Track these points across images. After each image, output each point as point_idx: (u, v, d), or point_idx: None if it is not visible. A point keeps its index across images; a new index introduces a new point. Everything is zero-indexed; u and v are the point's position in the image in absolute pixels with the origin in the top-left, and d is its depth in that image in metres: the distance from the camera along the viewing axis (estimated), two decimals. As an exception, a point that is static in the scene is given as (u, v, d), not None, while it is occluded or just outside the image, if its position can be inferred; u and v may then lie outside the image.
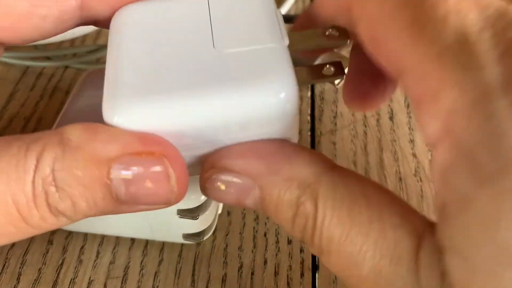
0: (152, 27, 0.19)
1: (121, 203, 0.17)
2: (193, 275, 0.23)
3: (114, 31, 0.20)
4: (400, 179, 0.26)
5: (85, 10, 0.20)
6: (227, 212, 0.25)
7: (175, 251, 0.24)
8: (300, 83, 0.17)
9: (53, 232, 0.24)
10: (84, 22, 0.21)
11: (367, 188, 0.15)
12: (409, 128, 0.29)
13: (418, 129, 0.15)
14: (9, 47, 0.30)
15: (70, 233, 0.24)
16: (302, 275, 0.23)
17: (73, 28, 0.21)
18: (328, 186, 0.15)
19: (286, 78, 0.16)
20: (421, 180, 0.26)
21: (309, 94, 0.30)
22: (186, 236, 0.23)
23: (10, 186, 0.15)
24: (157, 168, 0.16)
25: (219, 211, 0.24)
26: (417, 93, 0.14)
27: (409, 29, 0.14)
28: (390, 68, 0.15)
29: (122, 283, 0.23)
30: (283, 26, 0.19)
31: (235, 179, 0.16)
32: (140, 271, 0.23)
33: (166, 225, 0.22)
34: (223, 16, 0.19)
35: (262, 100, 0.16)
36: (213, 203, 0.23)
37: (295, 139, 0.18)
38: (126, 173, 0.16)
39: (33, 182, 0.15)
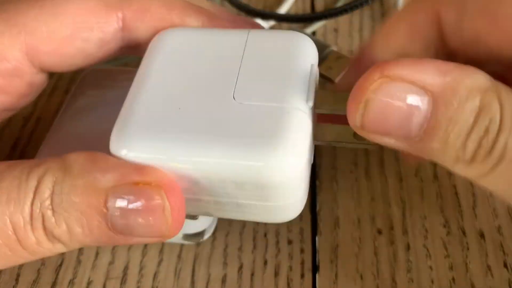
0: (183, 58, 0.20)
1: (116, 233, 0.17)
2: (192, 275, 0.23)
3: (148, 55, 0.20)
4: (401, 179, 0.26)
5: (127, 32, 0.20)
6: (227, 212, 0.25)
7: (175, 251, 0.24)
8: (323, 142, 0.17)
9: (52, 233, 0.24)
10: (128, 45, 0.21)
11: None
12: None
13: None
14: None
15: (69, 234, 0.24)
16: (302, 276, 0.23)
17: (117, 52, 0.21)
18: (507, 90, 0.14)
19: (291, 146, 0.16)
20: (422, 181, 0.26)
21: (309, 93, 0.30)
22: (186, 237, 0.23)
23: (9, 207, 0.16)
24: (153, 199, 0.16)
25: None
26: None
27: None
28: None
29: (121, 284, 0.23)
30: (314, 86, 0.18)
31: (408, 90, 0.14)
32: (139, 272, 0.23)
33: None
34: (254, 62, 0.19)
35: (258, 165, 0.16)
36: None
37: (299, 204, 0.18)
38: (123, 203, 0.16)
39: (32, 204, 0.16)
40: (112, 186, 0.16)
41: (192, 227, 0.22)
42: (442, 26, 0.17)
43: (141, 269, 0.23)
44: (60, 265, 0.23)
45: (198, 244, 0.24)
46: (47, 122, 0.29)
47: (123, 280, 0.23)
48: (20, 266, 0.23)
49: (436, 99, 0.14)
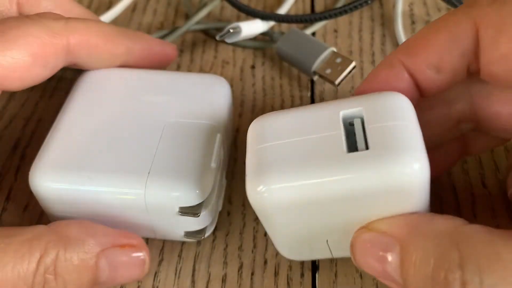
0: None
1: (99, 284, 0.21)
2: (193, 275, 0.23)
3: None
4: (400, 179, 0.26)
5: (70, 55, 0.24)
6: (227, 212, 0.25)
7: (175, 251, 0.24)
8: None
9: (53, 232, 0.24)
10: (71, 64, 0.25)
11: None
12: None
13: None
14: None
15: (70, 233, 0.24)
16: (302, 275, 0.23)
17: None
18: (470, 233, 0.16)
19: (419, 152, 0.17)
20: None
21: (309, 94, 0.30)
22: (187, 234, 0.23)
23: (13, 276, 0.18)
24: (138, 257, 0.21)
25: (220, 208, 0.24)
26: None
27: None
28: None
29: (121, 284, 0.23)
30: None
31: (380, 238, 0.17)
32: (140, 271, 0.23)
33: (168, 224, 0.22)
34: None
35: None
36: (214, 200, 0.23)
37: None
38: (112, 261, 0.20)
39: (35, 275, 0.19)
40: (104, 248, 0.20)
41: (194, 224, 0.22)
42: (479, 40, 0.18)
43: (141, 268, 0.23)
44: (61, 264, 0.23)
45: (199, 243, 0.24)
46: (48, 123, 0.29)
47: (124, 280, 0.23)
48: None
49: (401, 247, 0.16)
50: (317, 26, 0.33)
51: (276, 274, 0.23)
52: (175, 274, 0.23)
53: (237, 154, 0.28)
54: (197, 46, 0.33)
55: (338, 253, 0.21)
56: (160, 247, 0.24)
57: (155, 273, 0.23)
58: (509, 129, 0.21)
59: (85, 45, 0.24)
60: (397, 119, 0.18)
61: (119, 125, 0.23)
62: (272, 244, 0.24)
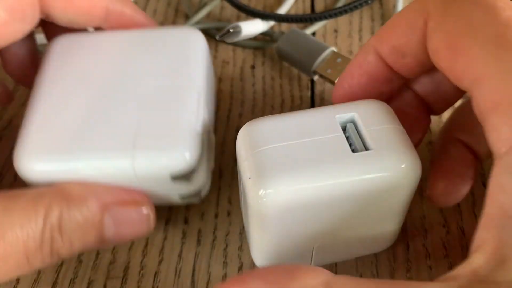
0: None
1: (105, 241, 0.21)
2: (193, 275, 0.23)
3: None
4: (400, 179, 0.26)
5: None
6: (227, 212, 0.25)
7: (175, 251, 0.24)
8: None
9: (52, 232, 0.24)
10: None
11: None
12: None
13: (487, 133, 0.16)
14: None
15: (69, 233, 0.24)
16: (302, 275, 0.23)
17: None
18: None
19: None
20: (421, 180, 0.26)
21: (309, 94, 0.30)
22: (184, 197, 0.23)
23: (23, 235, 0.18)
24: (142, 212, 0.21)
25: (212, 166, 0.24)
26: (493, 98, 0.16)
27: (493, 41, 0.16)
28: (464, 76, 0.17)
29: (122, 283, 0.23)
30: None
31: None
32: (139, 271, 0.23)
33: (162, 190, 0.22)
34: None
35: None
36: (206, 161, 0.22)
37: None
38: (116, 218, 0.20)
39: (42, 232, 0.19)
40: (108, 205, 0.20)
41: (188, 188, 0.22)
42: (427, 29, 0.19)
43: (141, 268, 0.23)
44: (61, 264, 0.23)
45: (199, 242, 0.24)
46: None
47: (124, 280, 0.23)
48: (21, 266, 0.23)
49: None
50: (317, 26, 0.33)
51: (276, 274, 0.23)
52: (175, 274, 0.23)
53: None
54: (197, 46, 0.33)
55: (318, 261, 0.22)
56: (160, 247, 0.24)
57: (155, 273, 0.23)
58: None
59: (61, 1, 0.24)
60: (387, 123, 0.19)
61: (96, 95, 0.22)
62: (272, 244, 0.24)
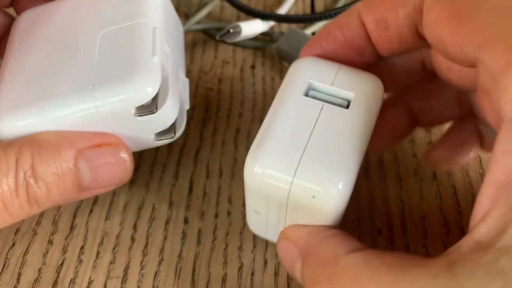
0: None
1: (83, 189, 0.21)
2: (193, 275, 0.23)
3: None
4: (400, 179, 0.26)
5: None
6: (227, 212, 0.25)
7: (175, 251, 0.24)
8: None
9: (53, 232, 0.24)
10: None
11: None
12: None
13: (497, 96, 0.15)
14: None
15: (70, 233, 0.24)
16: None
17: None
18: (343, 267, 0.17)
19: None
20: (421, 180, 0.26)
21: (309, 94, 0.30)
22: (158, 136, 0.23)
23: None
24: (117, 154, 0.21)
25: (187, 106, 0.24)
26: (507, 58, 0.15)
27: (501, 7, 0.16)
28: (469, 42, 0.16)
29: (122, 283, 0.23)
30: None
31: (290, 249, 0.19)
32: (140, 271, 0.23)
33: (133, 130, 0.22)
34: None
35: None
36: (172, 93, 0.22)
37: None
38: (91, 162, 0.20)
39: (16, 176, 0.19)
40: (81, 149, 0.20)
41: (157, 122, 0.22)
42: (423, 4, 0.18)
43: (141, 268, 0.23)
44: (61, 264, 0.24)
45: (199, 241, 0.24)
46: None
47: (124, 280, 0.23)
48: (21, 265, 0.23)
49: (301, 263, 0.18)
50: (317, 26, 0.33)
51: (276, 274, 0.23)
52: (175, 274, 0.23)
53: (237, 154, 0.28)
54: (197, 46, 0.33)
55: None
56: (160, 247, 0.24)
57: (155, 273, 0.23)
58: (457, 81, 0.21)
59: None
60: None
61: (56, 52, 0.23)
62: (273, 244, 0.24)
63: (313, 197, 0.18)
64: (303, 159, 0.18)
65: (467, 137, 0.24)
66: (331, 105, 0.20)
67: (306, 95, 0.20)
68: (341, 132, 0.19)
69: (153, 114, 0.21)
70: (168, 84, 0.22)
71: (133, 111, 0.21)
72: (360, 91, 0.20)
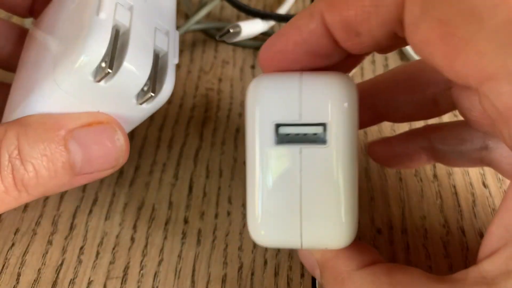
0: None
1: (76, 173, 0.19)
2: (193, 275, 0.23)
3: None
4: (400, 179, 0.26)
5: None
6: (227, 212, 0.25)
7: (175, 251, 0.24)
8: None
9: (52, 232, 0.24)
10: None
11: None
12: (409, 128, 0.29)
13: (507, 137, 0.14)
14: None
15: (69, 233, 0.24)
16: (302, 275, 0.23)
17: None
18: (354, 283, 0.17)
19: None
20: (421, 180, 0.26)
21: (309, 94, 0.30)
22: (139, 98, 0.21)
23: None
24: (109, 133, 0.20)
25: (175, 61, 0.23)
26: (508, 101, 0.13)
27: (504, 29, 0.13)
28: (468, 74, 0.14)
29: (121, 284, 0.23)
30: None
31: (310, 256, 0.20)
32: (139, 272, 0.23)
33: (107, 102, 0.21)
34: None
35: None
36: (133, 48, 0.20)
37: None
38: (82, 141, 0.19)
39: (0, 157, 0.18)
40: (71, 128, 0.19)
41: (126, 82, 0.20)
42: (404, 14, 0.15)
43: (141, 269, 0.23)
44: (61, 264, 0.23)
45: (199, 242, 0.24)
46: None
47: (124, 280, 0.23)
48: (21, 266, 0.23)
49: (320, 270, 0.20)
50: (317, 26, 0.33)
51: (276, 274, 0.23)
52: (175, 274, 0.23)
53: (236, 154, 0.28)
54: (197, 46, 0.33)
55: None
56: (160, 247, 0.24)
57: (155, 273, 0.23)
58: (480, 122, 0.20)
59: None
60: None
61: (36, 52, 0.22)
62: (272, 244, 0.24)
63: (326, 247, 0.18)
64: (303, 224, 0.18)
65: (413, 149, 0.24)
66: (309, 147, 0.18)
67: (278, 140, 0.18)
68: (328, 177, 0.17)
69: (113, 76, 0.19)
70: (128, 40, 0.20)
71: (91, 78, 0.19)
72: (333, 110, 0.17)
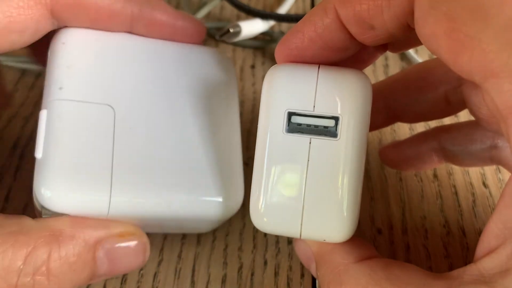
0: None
1: (98, 278, 0.19)
2: (192, 275, 0.23)
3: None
4: (401, 179, 0.26)
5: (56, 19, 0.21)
6: (227, 212, 0.25)
7: (175, 251, 0.24)
8: None
9: (52, 233, 0.24)
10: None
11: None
12: (410, 128, 0.29)
13: (508, 140, 0.14)
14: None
15: (69, 234, 0.24)
16: (302, 275, 0.23)
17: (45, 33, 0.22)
18: (351, 276, 0.17)
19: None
20: (421, 181, 0.26)
21: (309, 94, 0.30)
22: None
23: None
24: (138, 249, 0.20)
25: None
26: (509, 100, 0.13)
27: (510, 26, 0.13)
28: (472, 70, 0.14)
29: (121, 284, 0.23)
30: None
31: (307, 249, 0.20)
32: (139, 272, 0.23)
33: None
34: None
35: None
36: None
37: None
38: (110, 255, 0.19)
39: (20, 272, 0.17)
40: (102, 239, 0.19)
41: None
42: (414, 7, 0.16)
43: (141, 269, 0.23)
44: (60, 265, 0.23)
45: (199, 242, 0.24)
46: (47, 122, 0.29)
47: (123, 280, 0.23)
48: (20, 266, 0.23)
49: (316, 264, 0.19)
50: (317, 26, 0.33)
51: (276, 274, 0.23)
52: (175, 274, 0.23)
53: (237, 154, 0.28)
54: (197, 46, 0.33)
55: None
56: (159, 247, 0.24)
57: (155, 274, 0.23)
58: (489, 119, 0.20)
59: (75, 7, 0.21)
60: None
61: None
62: (273, 245, 0.24)
63: (324, 240, 0.18)
64: (305, 214, 0.18)
65: (424, 151, 0.24)
66: (319, 139, 0.18)
67: (289, 129, 0.18)
68: (334, 170, 0.18)
69: None
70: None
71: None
72: (347, 105, 0.18)
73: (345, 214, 0.18)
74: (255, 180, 0.18)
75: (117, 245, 0.19)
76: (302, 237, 0.18)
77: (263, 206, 0.18)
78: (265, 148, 0.18)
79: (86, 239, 0.18)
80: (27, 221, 0.18)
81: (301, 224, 0.18)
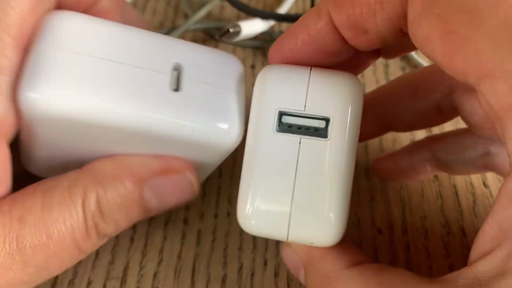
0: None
1: (151, 212, 0.20)
2: (192, 275, 0.23)
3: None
4: (401, 179, 0.26)
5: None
6: (227, 212, 0.25)
7: (175, 251, 0.24)
8: None
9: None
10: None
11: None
12: (410, 134, 0.29)
13: (503, 134, 0.14)
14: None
15: (69, 234, 0.24)
16: (302, 275, 0.23)
17: None
18: (342, 282, 0.17)
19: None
20: (421, 181, 0.26)
21: (309, 94, 0.30)
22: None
23: (68, 230, 0.18)
24: (182, 180, 0.20)
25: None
26: (507, 100, 0.13)
27: (503, 28, 0.13)
28: (466, 72, 0.14)
29: (121, 284, 0.23)
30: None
31: (294, 257, 0.20)
32: (139, 272, 0.23)
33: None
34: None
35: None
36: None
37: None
38: (156, 192, 0.20)
39: (85, 220, 0.19)
40: (146, 178, 0.19)
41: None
42: (407, 10, 0.16)
43: (141, 269, 0.23)
44: (60, 265, 0.23)
45: (199, 243, 0.24)
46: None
47: (123, 280, 0.23)
48: (20, 266, 0.23)
49: (305, 271, 0.19)
50: (317, 26, 0.33)
51: (276, 275, 0.23)
52: (175, 274, 0.23)
53: (236, 154, 0.27)
54: (197, 46, 0.33)
55: None
56: (159, 247, 0.24)
57: (155, 274, 0.23)
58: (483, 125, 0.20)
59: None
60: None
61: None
62: (273, 245, 0.24)
63: (312, 243, 0.18)
64: (292, 217, 0.17)
65: (417, 161, 0.24)
66: (309, 138, 0.18)
67: (279, 128, 0.18)
68: (323, 172, 0.17)
69: None
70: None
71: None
72: (338, 107, 0.17)
73: (332, 216, 0.17)
74: (243, 180, 0.18)
75: (162, 183, 0.20)
76: (289, 240, 0.18)
77: (250, 207, 0.18)
78: (254, 147, 0.18)
79: (128, 180, 0.19)
80: (72, 173, 0.19)
81: (288, 226, 0.17)
